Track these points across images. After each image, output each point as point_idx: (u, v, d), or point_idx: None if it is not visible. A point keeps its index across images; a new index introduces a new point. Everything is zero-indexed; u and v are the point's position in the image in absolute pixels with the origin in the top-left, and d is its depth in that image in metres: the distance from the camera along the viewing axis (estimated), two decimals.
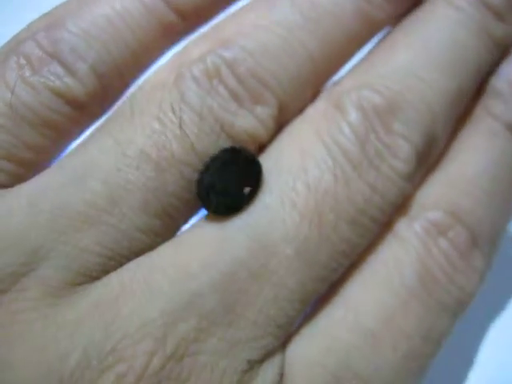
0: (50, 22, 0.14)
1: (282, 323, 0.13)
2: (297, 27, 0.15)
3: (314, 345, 0.13)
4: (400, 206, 0.15)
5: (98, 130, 0.14)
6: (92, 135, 0.14)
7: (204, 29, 0.16)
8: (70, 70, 0.14)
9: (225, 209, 0.13)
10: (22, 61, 0.13)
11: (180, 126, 0.13)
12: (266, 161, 0.14)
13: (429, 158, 0.15)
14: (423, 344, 0.14)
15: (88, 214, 0.13)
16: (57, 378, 0.11)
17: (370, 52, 0.16)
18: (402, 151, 0.14)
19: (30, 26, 0.15)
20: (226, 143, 0.14)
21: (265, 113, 0.14)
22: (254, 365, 0.13)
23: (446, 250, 0.14)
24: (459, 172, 0.16)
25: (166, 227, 0.13)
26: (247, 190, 0.13)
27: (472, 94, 0.16)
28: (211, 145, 0.14)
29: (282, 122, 0.15)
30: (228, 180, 0.13)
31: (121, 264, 0.13)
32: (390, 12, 0.16)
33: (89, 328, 0.12)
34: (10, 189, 0.13)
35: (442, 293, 0.14)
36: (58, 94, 0.13)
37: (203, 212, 0.14)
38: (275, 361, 0.13)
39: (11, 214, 0.12)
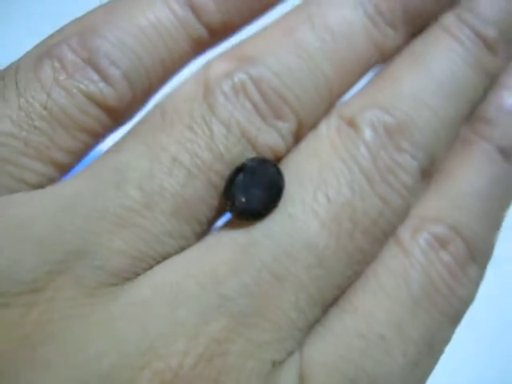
0: (84, 27, 0.15)
1: (302, 326, 0.14)
2: (316, 50, 0.16)
3: (329, 350, 0.14)
4: (404, 219, 0.16)
5: (130, 136, 0.14)
6: (124, 141, 0.14)
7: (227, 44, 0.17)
8: (103, 76, 0.14)
9: (250, 215, 0.14)
10: (56, 64, 0.14)
11: (211, 137, 0.14)
12: (286, 172, 0.15)
13: (430, 173, 0.16)
14: (428, 351, 0.15)
15: (123, 216, 0.13)
16: (95, 377, 0.12)
17: (378, 75, 0.17)
18: (409, 167, 0.15)
19: (61, 30, 0.15)
20: (251, 154, 0.15)
21: (285, 128, 0.15)
22: (277, 366, 0.13)
23: (448, 263, 0.15)
24: (457, 189, 0.17)
25: (193, 232, 0.14)
26: (271, 197, 0.14)
27: (466, 119, 0.18)
28: (238, 155, 0.14)
29: (298, 137, 0.16)
30: (254, 187, 0.14)
31: (150, 266, 0.13)
32: (397, 41, 0.18)
33: (125, 327, 0.12)
34: (43, 189, 0.13)
35: (444, 303, 0.15)
36: (92, 98, 0.14)
37: (226, 218, 0.15)
38: (294, 362, 0.14)
39: (47, 215, 0.13)
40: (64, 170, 0.14)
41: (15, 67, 0.14)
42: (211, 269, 0.13)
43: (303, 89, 0.16)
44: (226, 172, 0.14)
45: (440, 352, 0.15)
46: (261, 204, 0.14)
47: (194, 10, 0.16)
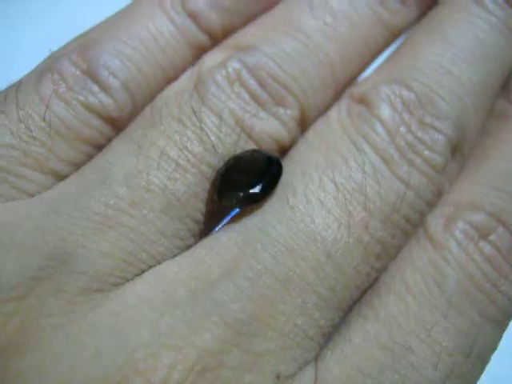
0: (86, 41, 0.14)
1: (311, 333, 0.12)
2: (316, 32, 0.15)
3: (347, 364, 0.12)
4: (434, 205, 0.14)
5: (120, 136, 0.14)
6: (115, 141, 0.14)
7: None
8: (103, 87, 0.14)
9: (241, 204, 0.13)
10: (56, 77, 0.14)
11: (201, 128, 0.13)
12: (290, 161, 0.14)
13: (461, 150, 0.14)
14: (467, 361, 0.13)
15: (108, 215, 0.12)
16: None
17: (394, 52, 0.16)
18: (435, 143, 0.14)
19: (65, 46, 0.15)
20: (246, 145, 0.13)
21: (287, 115, 0.14)
22: (285, 380, 0.12)
23: (490, 255, 0.13)
24: (494, 170, 0.15)
25: (189, 231, 0.13)
26: (264, 185, 0.13)
27: (498, 89, 0.16)
28: (232, 146, 0.13)
29: (304, 126, 0.15)
30: (245, 177, 0.13)
31: (141, 270, 0.12)
32: (407, 16, 0.16)
33: (103, 339, 0.11)
34: (33, 197, 0.13)
35: (487, 302, 0.13)
36: (92, 109, 0.14)
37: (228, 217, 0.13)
38: (307, 377, 0.12)
39: (30, 220, 0.12)
40: None
41: (17, 84, 0.14)
42: (204, 272, 0.12)
43: (303, 73, 0.14)
44: (221, 165, 0.13)
45: (484, 359, 0.13)
46: (249, 188, 0.13)
47: (193, 17, 0.15)
